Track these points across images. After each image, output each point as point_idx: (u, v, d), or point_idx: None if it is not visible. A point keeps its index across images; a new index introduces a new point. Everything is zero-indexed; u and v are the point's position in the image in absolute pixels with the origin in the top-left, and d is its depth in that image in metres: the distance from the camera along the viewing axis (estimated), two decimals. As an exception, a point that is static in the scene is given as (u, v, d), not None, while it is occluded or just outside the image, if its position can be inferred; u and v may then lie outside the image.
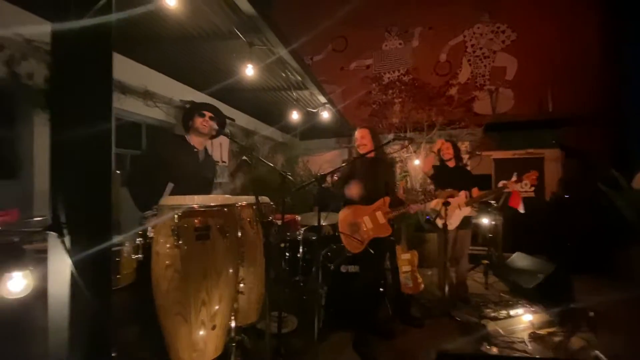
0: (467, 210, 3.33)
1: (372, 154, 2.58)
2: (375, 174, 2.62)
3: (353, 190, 2.58)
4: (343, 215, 2.69)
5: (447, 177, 3.32)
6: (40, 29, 2.78)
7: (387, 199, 2.60)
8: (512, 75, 7.57)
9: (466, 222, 3.37)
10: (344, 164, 2.79)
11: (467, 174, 3.51)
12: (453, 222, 3.28)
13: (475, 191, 3.34)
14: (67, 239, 0.90)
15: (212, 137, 2.32)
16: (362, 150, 2.64)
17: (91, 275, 0.90)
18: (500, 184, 3.26)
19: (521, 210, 3.98)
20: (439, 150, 3.51)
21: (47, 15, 2.85)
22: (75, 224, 0.93)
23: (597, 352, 1.43)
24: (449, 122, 5.77)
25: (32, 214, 2.41)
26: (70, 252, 0.87)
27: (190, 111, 2.28)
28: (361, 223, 2.61)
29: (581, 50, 6.81)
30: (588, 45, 6.77)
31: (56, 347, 0.84)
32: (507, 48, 7.71)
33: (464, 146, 6.63)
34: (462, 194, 3.28)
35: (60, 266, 0.88)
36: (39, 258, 1.19)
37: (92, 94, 1.14)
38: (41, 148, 2.84)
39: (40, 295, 1.03)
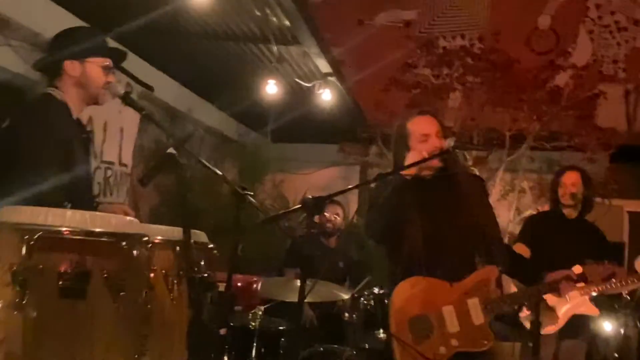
0: (580, 303, 2.57)
1: (439, 164, 1.65)
2: (457, 209, 1.70)
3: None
4: (404, 297, 1.69)
5: (562, 238, 2.53)
6: None
7: (494, 270, 1.70)
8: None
9: (577, 325, 2.58)
10: (372, 182, 2.05)
11: (595, 236, 2.72)
12: (553, 322, 2.60)
13: (596, 270, 2.28)
14: None
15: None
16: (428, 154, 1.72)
17: None
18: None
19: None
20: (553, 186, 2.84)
21: None
22: None
23: None
24: (550, 135, 4.24)
25: None
26: None
27: None
28: (438, 320, 1.68)
29: None
30: None
31: None
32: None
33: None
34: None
35: None
36: None
37: None
38: None
39: None
